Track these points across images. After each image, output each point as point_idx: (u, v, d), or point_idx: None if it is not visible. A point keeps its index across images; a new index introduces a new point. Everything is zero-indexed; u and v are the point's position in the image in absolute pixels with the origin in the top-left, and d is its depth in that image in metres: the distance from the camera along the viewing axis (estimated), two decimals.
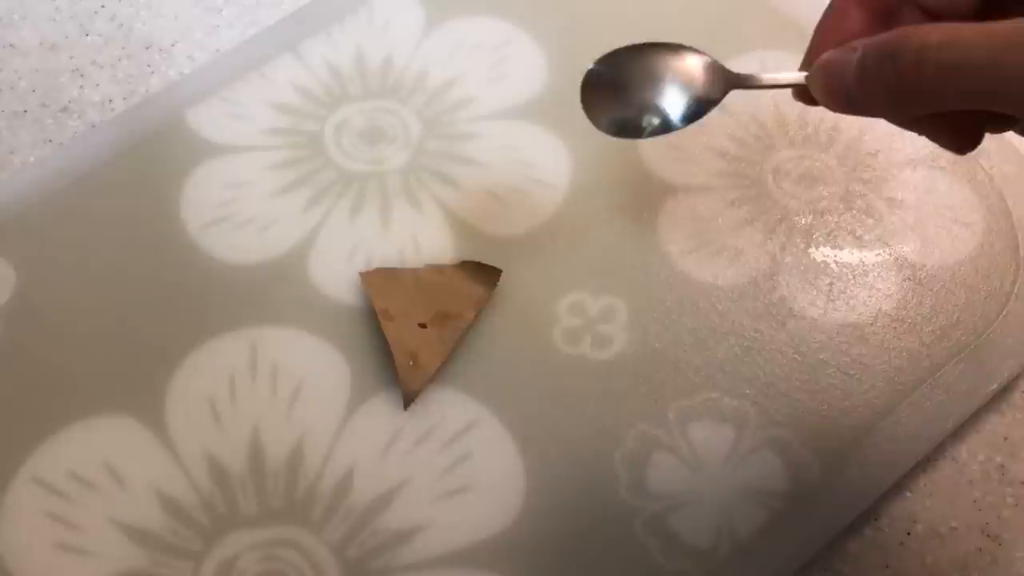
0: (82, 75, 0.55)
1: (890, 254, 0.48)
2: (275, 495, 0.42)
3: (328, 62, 0.54)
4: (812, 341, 0.45)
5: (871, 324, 0.46)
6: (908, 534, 0.42)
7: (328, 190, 0.50)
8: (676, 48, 0.36)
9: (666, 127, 0.35)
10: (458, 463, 0.43)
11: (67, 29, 0.57)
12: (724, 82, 0.35)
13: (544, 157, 0.51)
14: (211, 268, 0.47)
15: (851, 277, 0.47)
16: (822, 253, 0.48)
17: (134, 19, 0.57)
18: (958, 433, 0.44)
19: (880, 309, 0.46)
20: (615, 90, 0.36)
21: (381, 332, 0.44)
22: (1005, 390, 0.45)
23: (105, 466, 0.43)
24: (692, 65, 0.35)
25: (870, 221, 0.49)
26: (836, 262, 0.47)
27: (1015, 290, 0.47)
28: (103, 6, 0.57)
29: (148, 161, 0.50)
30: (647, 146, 0.51)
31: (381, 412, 0.44)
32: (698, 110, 0.35)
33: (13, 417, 0.44)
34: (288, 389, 0.44)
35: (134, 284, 0.47)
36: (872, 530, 0.42)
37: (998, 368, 0.45)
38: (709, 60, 0.35)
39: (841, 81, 0.32)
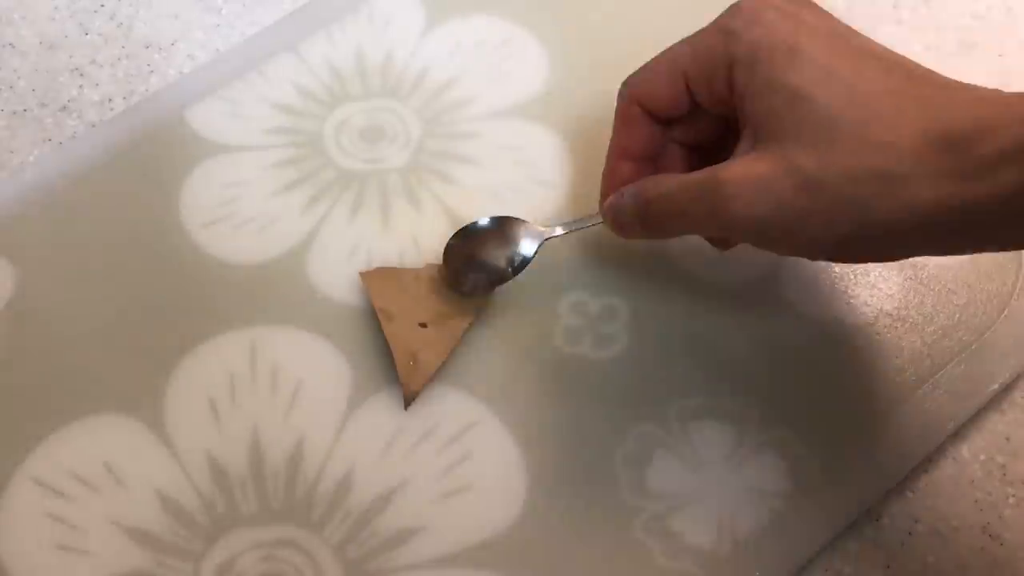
0: (81, 74, 0.55)
1: None
2: (275, 495, 0.42)
3: (328, 61, 0.53)
4: (813, 340, 0.45)
5: (873, 324, 0.46)
6: (909, 534, 0.42)
7: (328, 189, 0.49)
8: (505, 220, 0.46)
9: (502, 280, 0.45)
10: (458, 463, 0.42)
11: (66, 28, 0.57)
12: (538, 237, 0.45)
13: (544, 156, 0.50)
14: (211, 267, 0.47)
15: (852, 276, 0.47)
16: None
17: (134, 18, 0.57)
18: (959, 433, 0.44)
19: (882, 309, 0.46)
20: (466, 257, 0.45)
21: (381, 332, 0.44)
22: (1006, 390, 0.45)
23: (105, 466, 0.42)
24: (515, 231, 0.46)
25: None
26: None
27: (1016, 289, 0.47)
28: (102, 5, 0.57)
29: (148, 160, 0.50)
30: None
31: (381, 412, 0.44)
32: (522, 264, 0.45)
33: (12, 417, 0.43)
34: (288, 389, 0.44)
35: (134, 283, 0.47)
36: (873, 530, 0.42)
37: (999, 368, 0.45)
38: (527, 225, 0.46)
39: (621, 219, 0.42)
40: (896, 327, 0.46)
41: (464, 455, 0.43)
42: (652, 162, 0.43)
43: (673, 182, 0.39)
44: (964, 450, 0.44)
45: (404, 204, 0.49)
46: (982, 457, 0.44)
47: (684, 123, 0.42)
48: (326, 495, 0.42)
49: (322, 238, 0.48)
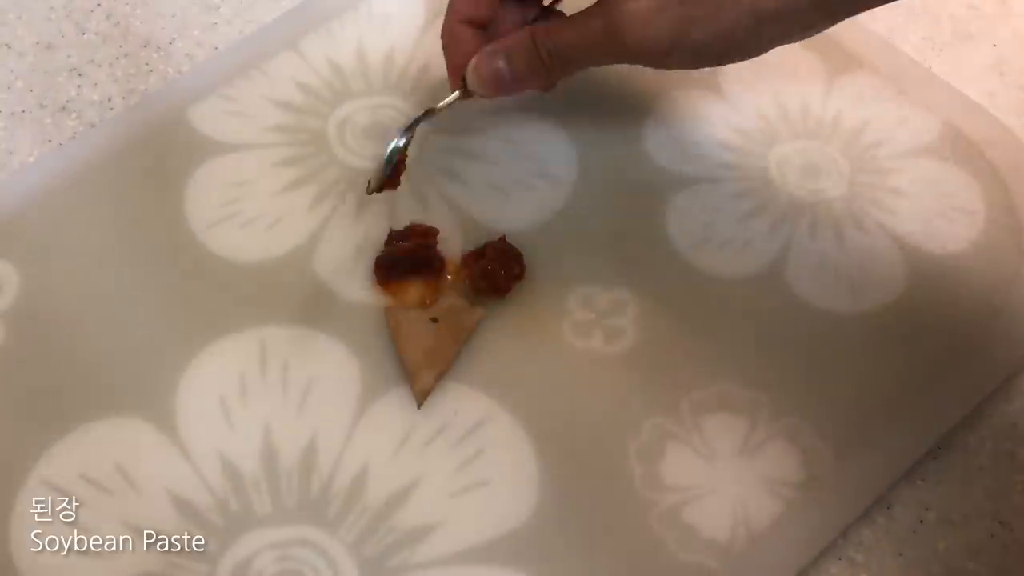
0: (80, 74, 0.54)
1: (895, 243, 0.48)
2: (289, 494, 0.42)
3: (329, 58, 0.53)
4: (820, 331, 0.46)
5: (878, 313, 0.46)
6: (920, 522, 0.43)
7: (333, 187, 0.49)
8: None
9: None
10: (472, 459, 0.42)
11: (63, 28, 0.56)
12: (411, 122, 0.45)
13: (550, 151, 0.50)
14: (217, 267, 0.47)
15: (857, 267, 0.47)
16: (828, 244, 0.48)
17: (131, 17, 0.57)
18: (967, 421, 0.44)
19: (887, 298, 0.46)
20: None
21: (390, 328, 0.44)
22: (1013, 377, 0.45)
23: (116, 468, 0.42)
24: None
25: (874, 211, 0.49)
26: (842, 252, 0.48)
27: (1020, 278, 0.47)
28: (99, 4, 0.57)
29: (150, 160, 0.50)
30: (654, 139, 0.51)
31: (393, 409, 0.44)
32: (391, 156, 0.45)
33: (23, 421, 0.43)
34: (299, 388, 0.44)
35: (140, 285, 0.47)
36: (885, 518, 0.43)
37: (1006, 356, 0.45)
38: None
39: (494, 72, 0.44)
40: (902, 316, 0.46)
41: (477, 451, 0.43)
42: (486, 28, 0.45)
43: (570, 32, 0.42)
44: (972, 438, 0.44)
45: (410, 201, 0.49)
46: (990, 445, 0.44)
47: None
48: (340, 493, 0.42)
49: (328, 236, 0.48)
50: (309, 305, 0.46)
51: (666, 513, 0.41)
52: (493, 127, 0.51)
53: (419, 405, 0.43)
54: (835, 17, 0.39)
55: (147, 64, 0.55)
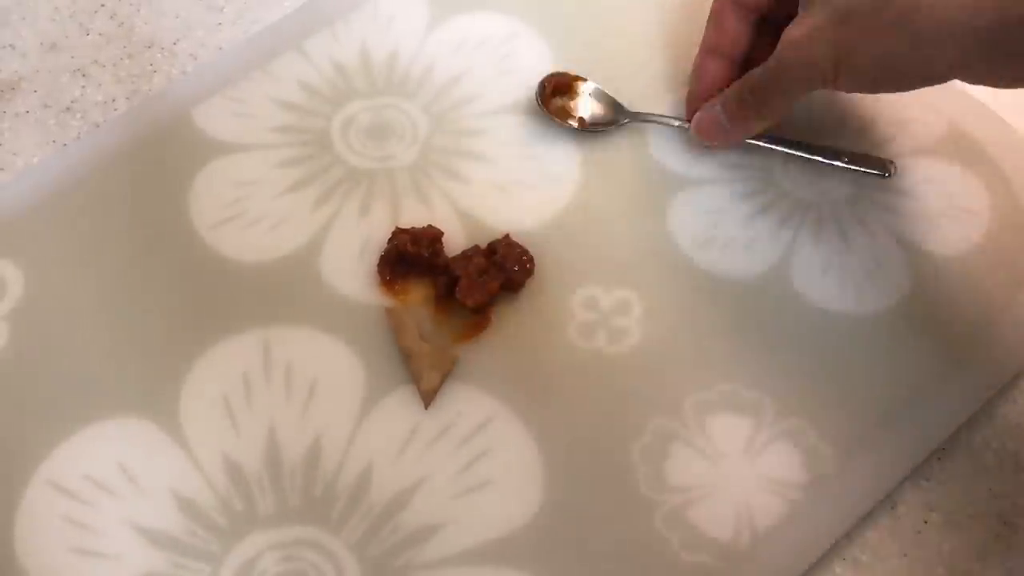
0: (84, 75, 0.54)
1: (900, 244, 0.48)
2: (293, 495, 0.42)
3: (333, 59, 0.53)
4: (825, 331, 0.45)
5: (883, 314, 0.46)
6: (925, 522, 0.42)
7: (337, 187, 0.49)
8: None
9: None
10: (476, 460, 0.42)
11: (67, 29, 0.56)
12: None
13: (553, 151, 0.50)
14: (222, 268, 0.47)
15: (862, 267, 0.47)
16: (833, 244, 0.48)
17: (135, 17, 0.57)
18: (972, 422, 0.44)
19: (891, 299, 0.46)
20: None
21: (393, 329, 0.44)
22: (1017, 378, 0.45)
23: (120, 468, 0.42)
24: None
25: (880, 211, 0.49)
26: (847, 253, 0.47)
27: None
28: (103, 5, 0.57)
29: (154, 160, 0.50)
30: (657, 139, 0.51)
31: (397, 409, 0.44)
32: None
33: (27, 421, 0.43)
34: (303, 388, 0.44)
35: (144, 285, 0.47)
36: (889, 519, 0.42)
37: (1010, 357, 0.45)
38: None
39: (713, 121, 0.47)
40: (907, 316, 0.46)
41: (482, 452, 0.43)
42: (738, 63, 0.47)
43: (760, 70, 0.44)
44: (977, 438, 0.44)
45: (414, 201, 0.49)
46: (995, 445, 0.44)
47: (774, 16, 0.46)
48: (344, 494, 0.42)
49: (333, 236, 0.48)
50: (313, 305, 0.46)
51: (670, 513, 0.41)
52: (495, 127, 0.51)
53: (426, 406, 0.43)
54: (1009, 66, 0.36)
55: (151, 65, 0.55)
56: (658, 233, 0.48)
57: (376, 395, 0.44)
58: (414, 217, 0.48)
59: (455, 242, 0.47)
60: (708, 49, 0.48)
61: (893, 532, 0.42)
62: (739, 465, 0.42)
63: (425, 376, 0.43)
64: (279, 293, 0.46)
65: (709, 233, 0.48)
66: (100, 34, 0.56)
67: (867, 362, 0.45)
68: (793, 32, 0.41)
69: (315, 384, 0.44)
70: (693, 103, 0.49)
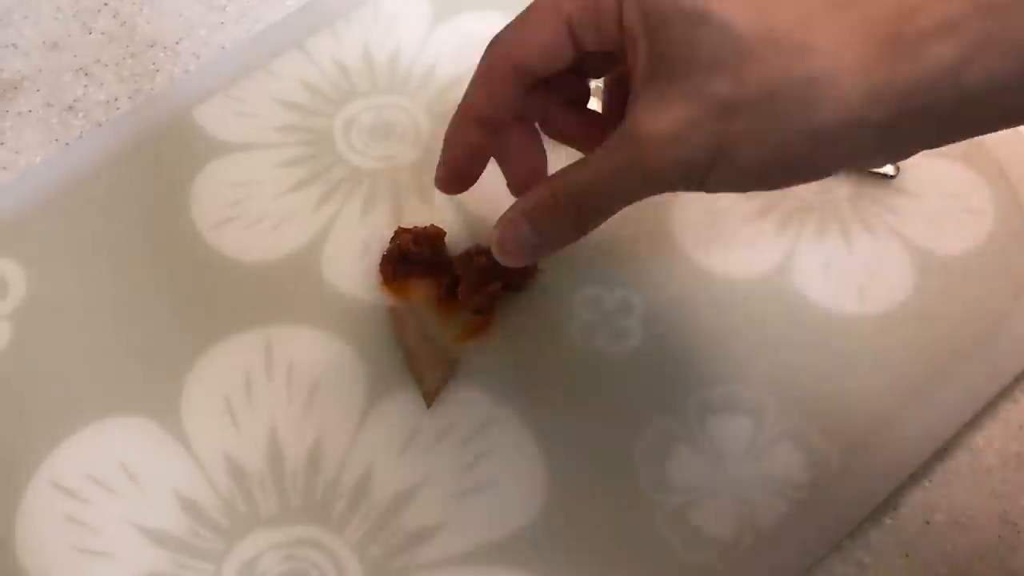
0: (86, 74, 0.54)
1: (903, 244, 0.48)
2: (295, 494, 0.42)
3: (335, 58, 0.53)
4: (827, 332, 0.45)
5: (885, 314, 0.46)
6: (927, 523, 0.42)
7: (339, 187, 0.49)
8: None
9: None
10: (477, 460, 0.42)
11: (70, 28, 0.56)
12: None
13: (554, 151, 0.50)
14: (223, 267, 0.47)
15: (864, 268, 0.47)
16: (836, 244, 0.48)
17: (137, 16, 0.57)
18: (974, 422, 0.44)
19: (894, 299, 0.46)
20: None
21: (396, 329, 0.44)
22: (1020, 378, 0.45)
23: (122, 468, 0.42)
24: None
25: (882, 211, 0.49)
26: (850, 253, 0.47)
27: None
28: (105, 4, 0.57)
29: (157, 160, 0.50)
30: None
31: (398, 410, 0.44)
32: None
33: (28, 420, 0.43)
34: (304, 388, 0.44)
35: (146, 285, 0.47)
36: (891, 520, 0.42)
37: (1013, 357, 0.45)
38: None
39: (520, 242, 0.38)
40: (909, 317, 0.46)
41: (483, 452, 0.43)
42: (501, 131, 0.40)
43: (589, 174, 0.36)
44: (979, 439, 0.44)
45: (416, 202, 0.49)
46: (997, 445, 0.44)
47: (556, 81, 0.39)
48: (346, 494, 0.42)
49: (335, 236, 0.48)
50: (315, 305, 0.46)
51: (672, 514, 0.41)
52: None
53: (428, 405, 0.43)
54: (906, 150, 0.32)
55: (153, 64, 0.55)
56: (660, 232, 0.48)
57: (378, 395, 0.44)
58: (416, 217, 0.48)
59: (457, 242, 0.47)
60: (467, 113, 0.40)
61: (895, 532, 0.42)
62: (741, 465, 0.42)
63: (427, 376, 0.43)
64: (281, 293, 0.46)
65: (712, 232, 0.48)
66: (103, 33, 0.56)
67: (869, 362, 0.45)
68: (653, 125, 0.33)
69: (317, 384, 0.44)
70: (448, 184, 0.42)
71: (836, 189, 0.49)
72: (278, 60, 0.53)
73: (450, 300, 0.45)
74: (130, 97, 0.54)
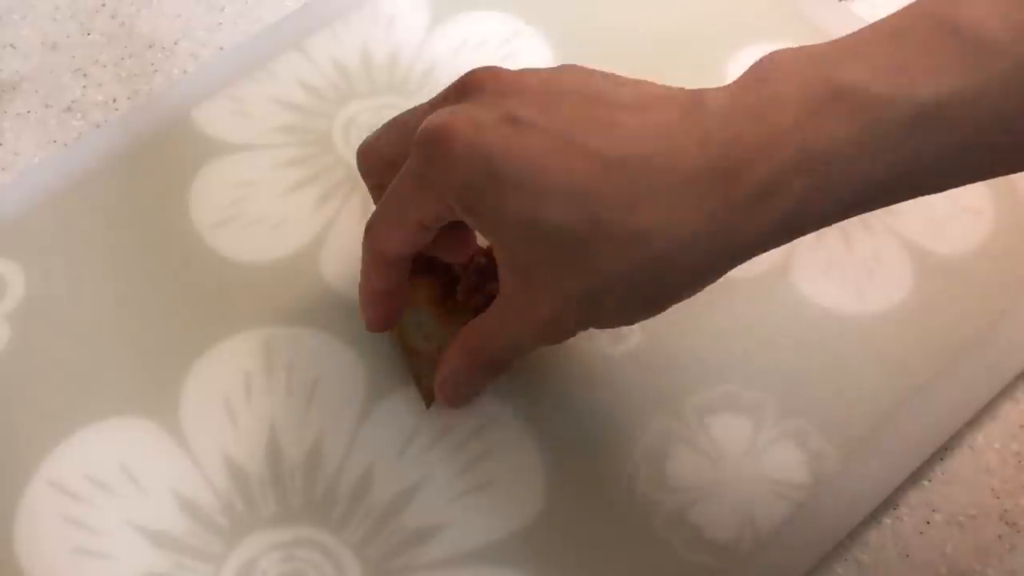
0: (85, 75, 0.54)
1: (902, 243, 0.48)
2: (294, 495, 0.42)
3: (334, 59, 0.53)
4: (826, 331, 0.45)
5: (885, 314, 0.46)
6: (927, 523, 0.42)
7: (338, 187, 0.49)
8: None
9: None
10: (477, 460, 0.42)
11: (68, 28, 0.56)
12: None
13: None
14: (222, 268, 0.47)
15: (863, 267, 0.47)
16: (834, 243, 0.48)
17: (135, 17, 0.57)
18: (974, 421, 0.44)
19: (893, 298, 0.46)
20: None
21: (394, 330, 0.44)
22: (1020, 377, 0.45)
23: (121, 468, 0.42)
24: None
25: (882, 211, 0.48)
26: (848, 252, 0.47)
27: None
28: (104, 4, 0.57)
29: (155, 160, 0.50)
30: None
31: (398, 410, 0.43)
32: None
33: (27, 421, 0.43)
34: (304, 388, 0.44)
35: (145, 285, 0.47)
36: (891, 519, 0.42)
37: (1013, 356, 0.45)
38: None
39: (461, 398, 0.43)
40: (909, 317, 0.46)
41: (482, 452, 0.43)
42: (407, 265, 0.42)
43: (491, 331, 0.39)
44: (979, 438, 0.44)
45: None
46: (997, 445, 0.44)
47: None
48: (345, 494, 0.42)
49: (334, 236, 0.48)
50: (314, 305, 0.46)
51: (671, 514, 0.41)
52: None
53: (428, 405, 0.43)
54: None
55: (152, 64, 0.55)
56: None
57: (377, 395, 0.44)
58: None
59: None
60: (376, 292, 0.42)
61: (895, 533, 0.42)
62: (741, 465, 0.42)
63: (426, 376, 0.43)
64: (280, 293, 0.46)
65: None
66: (101, 34, 0.56)
67: (869, 361, 0.45)
68: (528, 312, 0.37)
69: (316, 384, 0.44)
70: (379, 327, 0.43)
71: None
72: (277, 61, 0.53)
73: (450, 300, 0.45)
74: (129, 98, 0.54)
